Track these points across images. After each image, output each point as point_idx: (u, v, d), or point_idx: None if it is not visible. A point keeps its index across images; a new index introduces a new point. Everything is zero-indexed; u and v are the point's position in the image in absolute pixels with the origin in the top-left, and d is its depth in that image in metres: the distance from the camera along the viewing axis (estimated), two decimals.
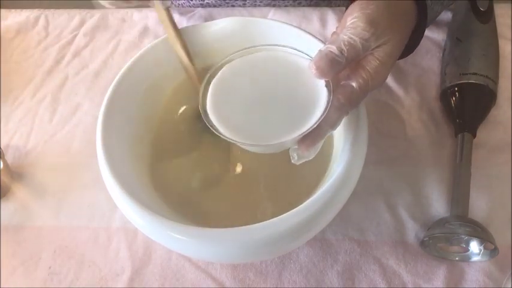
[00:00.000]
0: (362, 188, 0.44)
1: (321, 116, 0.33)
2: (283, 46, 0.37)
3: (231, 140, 0.33)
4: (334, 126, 0.34)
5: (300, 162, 0.35)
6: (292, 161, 0.35)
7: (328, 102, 0.33)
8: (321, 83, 0.34)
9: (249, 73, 0.37)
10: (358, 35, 0.34)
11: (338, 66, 0.33)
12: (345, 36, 0.34)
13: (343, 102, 0.34)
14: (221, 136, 0.34)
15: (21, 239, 0.46)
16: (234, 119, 0.34)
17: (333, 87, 0.34)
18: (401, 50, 0.37)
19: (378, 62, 0.35)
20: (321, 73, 0.33)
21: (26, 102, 0.57)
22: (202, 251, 0.35)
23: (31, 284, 0.43)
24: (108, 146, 0.38)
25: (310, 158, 0.35)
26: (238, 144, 0.34)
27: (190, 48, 0.46)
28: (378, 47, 0.35)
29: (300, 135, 0.33)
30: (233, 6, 0.64)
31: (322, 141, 0.34)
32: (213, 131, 0.34)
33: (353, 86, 0.34)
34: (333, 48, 0.33)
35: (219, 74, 0.37)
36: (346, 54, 0.33)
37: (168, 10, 0.45)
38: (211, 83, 0.36)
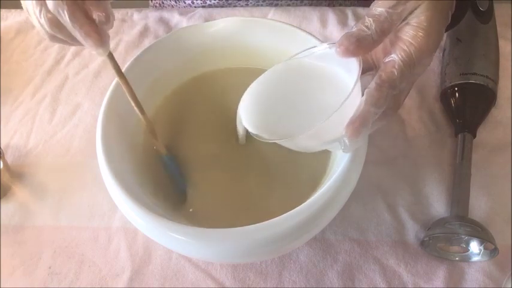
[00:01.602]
0: (362, 188, 0.44)
1: (350, 92, 0.31)
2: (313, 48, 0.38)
3: (277, 142, 0.34)
4: (378, 105, 0.31)
5: (350, 150, 0.33)
6: (342, 150, 0.33)
7: (357, 79, 0.32)
8: (355, 71, 0.33)
9: (279, 80, 0.38)
10: (383, 5, 0.32)
11: (365, 41, 0.32)
12: (370, 11, 0.33)
13: (384, 79, 0.32)
14: (268, 141, 0.35)
15: (21, 239, 0.46)
16: (273, 124, 0.36)
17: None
18: (444, 14, 0.34)
19: (415, 29, 0.32)
20: (345, 51, 0.32)
21: (26, 102, 0.57)
22: (202, 251, 0.35)
23: (31, 284, 0.43)
24: (108, 146, 0.38)
25: (359, 145, 0.33)
26: (284, 144, 0.35)
27: (191, 49, 0.46)
28: (411, 14, 0.32)
29: (334, 112, 0.31)
30: (235, 6, 0.64)
31: (370, 124, 0.32)
32: (258, 139, 0.36)
33: (394, 60, 0.32)
34: (358, 25, 0.32)
35: (251, 87, 0.39)
36: (373, 27, 0.32)
37: (110, 56, 0.39)
38: (243, 97, 0.38)
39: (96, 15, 0.36)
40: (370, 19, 0.32)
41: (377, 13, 0.32)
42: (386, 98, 0.32)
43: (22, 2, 0.38)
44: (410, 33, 0.32)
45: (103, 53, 0.37)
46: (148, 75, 0.45)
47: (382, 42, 0.33)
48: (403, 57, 0.32)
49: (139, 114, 0.41)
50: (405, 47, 0.32)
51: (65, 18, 0.34)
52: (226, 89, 0.48)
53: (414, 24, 0.32)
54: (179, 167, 0.43)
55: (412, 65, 0.32)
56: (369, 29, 0.32)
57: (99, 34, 0.36)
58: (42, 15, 0.35)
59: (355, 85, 0.32)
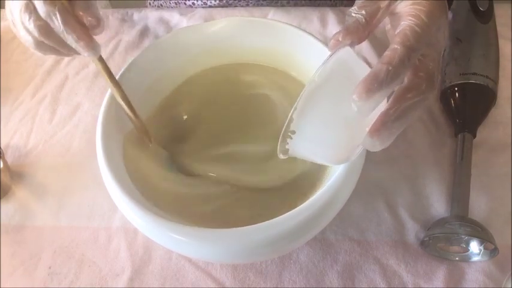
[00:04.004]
0: (362, 188, 0.44)
1: (332, 53, 0.29)
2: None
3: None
4: (393, 63, 0.28)
5: (363, 115, 0.29)
6: (357, 113, 0.29)
7: (333, 53, 0.30)
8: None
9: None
10: None
11: (352, 27, 0.31)
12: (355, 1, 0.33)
13: (398, 40, 0.29)
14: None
15: (21, 239, 0.46)
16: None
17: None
18: None
19: None
20: (335, 42, 0.32)
21: (26, 102, 0.57)
22: (202, 251, 0.35)
23: (31, 284, 0.43)
24: (108, 146, 0.38)
25: (371, 111, 0.29)
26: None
27: (191, 49, 0.46)
28: None
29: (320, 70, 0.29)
30: (235, 6, 0.64)
31: (385, 86, 0.28)
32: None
33: (405, 24, 0.30)
34: (346, 18, 0.32)
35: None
36: (359, 12, 0.32)
37: (101, 60, 0.40)
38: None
39: (86, 20, 0.36)
40: (355, 7, 0.32)
41: None
42: (403, 59, 0.29)
43: (7, 8, 0.38)
44: (412, 1, 0.31)
45: (95, 54, 0.38)
46: (148, 75, 0.45)
47: (375, 27, 0.32)
48: (414, 20, 0.30)
49: (132, 117, 0.41)
50: (413, 12, 0.31)
51: (57, 23, 0.35)
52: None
53: None
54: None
55: (425, 27, 0.30)
56: (355, 15, 0.32)
57: (90, 37, 0.37)
58: (31, 21, 0.35)
59: (331, 56, 0.29)
